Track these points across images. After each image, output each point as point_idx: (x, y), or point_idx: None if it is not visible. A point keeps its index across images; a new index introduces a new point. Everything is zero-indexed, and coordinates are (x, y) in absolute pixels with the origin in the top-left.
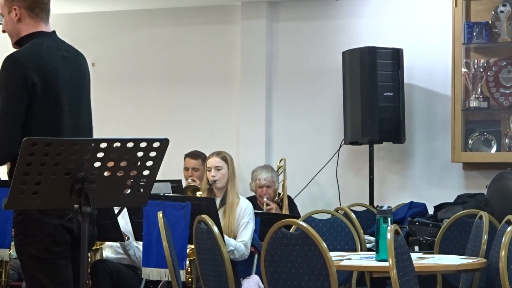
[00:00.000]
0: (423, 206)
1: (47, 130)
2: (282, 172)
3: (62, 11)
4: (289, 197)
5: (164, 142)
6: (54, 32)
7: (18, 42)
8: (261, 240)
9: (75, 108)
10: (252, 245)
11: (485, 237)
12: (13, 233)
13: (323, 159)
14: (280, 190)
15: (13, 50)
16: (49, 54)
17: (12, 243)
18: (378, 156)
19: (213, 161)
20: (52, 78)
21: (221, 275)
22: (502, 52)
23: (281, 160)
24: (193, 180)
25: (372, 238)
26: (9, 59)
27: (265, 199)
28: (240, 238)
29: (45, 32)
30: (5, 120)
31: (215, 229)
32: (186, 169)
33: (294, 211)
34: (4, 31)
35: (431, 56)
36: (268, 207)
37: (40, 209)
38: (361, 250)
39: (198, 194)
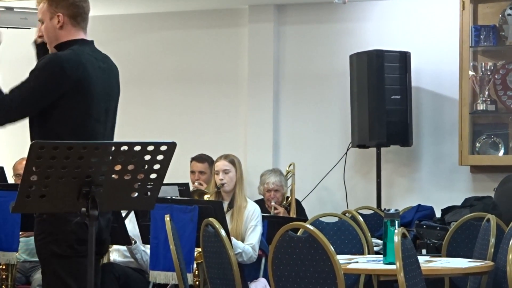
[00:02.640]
0: (431, 209)
1: (77, 134)
2: (291, 176)
3: None
4: (297, 200)
5: (172, 146)
6: (92, 41)
7: (57, 47)
8: (269, 243)
9: (103, 117)
10: (259, 248)
11: (492, 240)
12: (34, 233)
13: (330, 162)
14: (288, 194)
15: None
16: (88, 62)
17: (19, 247)
18: (385, 159)
19: (221, 165)
20: (87, 85)
21: (228, 278)
22: (510, 55)
23: (290, 165)
24: (200, 184)
25: (380, 241)
26: (51, 57)
27: (273, 203)
28: (247, 241)
29: (86, 40)
30: (23, 104)
31: (223, 232)
32: (192, 172)
33: (302, 215)
34: (40, 37)
35: (438, 59)
36: (275, 211)
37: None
38: (369, 253)
39: (206, 197)
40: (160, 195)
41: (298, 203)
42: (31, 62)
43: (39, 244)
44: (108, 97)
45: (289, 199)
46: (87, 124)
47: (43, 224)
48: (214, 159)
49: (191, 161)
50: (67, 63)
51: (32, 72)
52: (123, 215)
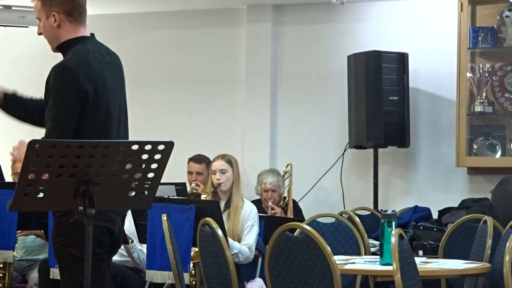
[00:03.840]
0: (428, 210)
1: (97, 137)
2: (288, 177)
3: None
4: (294, 201)
5: (169, 145)
6: (93, 35)
7: (59, 48)
8: (265, 244)
9: (118, 112)
10: (256, 248)
11: (489, 241)
12: (52, 234)
13: (327, 163)
14: (285, 195)
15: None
16: (95, 61)
17: (16, 245)
18: (382, 160)
19: (218, 164)
20: (102, 86)
21: (225, 278)
22: (508, 57)
23: (287, 165)
24: (197, 185)
25: (376, 242)
26: (60, 68)
27: (270, 204)
28: (244, 241)
29: (87, 36)
30: (59, 127)
31: (219, 232)
32: (190, 173)
33: (299, 216)
34: (40, 34)
35: (436, 60)
36: (272, 211)
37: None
38: (365, 254)
39: (203, 197)
40: (157, 194)
41: (295, 203)
42: (30, 60)
43: (58, 247)
44: (119, 90)
45: (286, 199)
46: (108, 123)
47: (62, 227)
48: (211, 159)
49: (188, 162)
50: (77, 70)
51: (49, 91)
52: None
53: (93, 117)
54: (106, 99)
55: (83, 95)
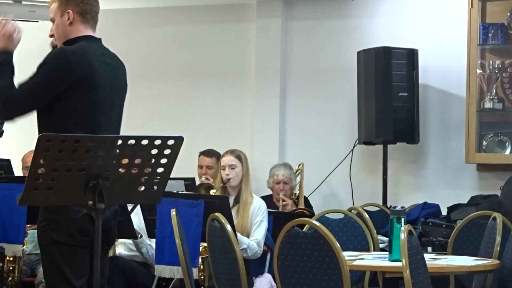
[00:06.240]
0: (437, 206)
1: (81, 126)
2: (299, 173)
3: None
4: (305, 197)
5: (179, 140)
6: (100, 39)
7: (66, 43)
8: (274, 239)
9: (109, 111)
10: (265, 243)
11: (498, 238)
12: (38, 219)
13: (336, 159)
14: (296, 191)
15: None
16: (93, 57)
17: (26, 239)
18: (392, 156)
19: (227, 160)
20: (92, 78)
21: (233, 273)
22: None
23: (300, 165)
24: (207, 179)
25: (385, 238)
26: (57, 51)
27: (281, 195)
28: (253, 236)
29: (93, 37)
30: (28, 98)
31: (228, 227)
32: (200, 167)
33: (309, 212)
34: (51, 36)
35: (446, 56)
36: (284, 203)
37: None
38: (374, 250)
39: (212, 192)
40: (166, 189)
41: (306, 200)
42: (39, 55)
43: (41, 231)
44: (114, 91)
45: (297, 194)
46: (91, 116)
47: (47, 212)
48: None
49: (199, 155)
50: (73, 57)
51: (39, 67)
52: (129, 208)
53: (79, 106)
54: (95, 93)
55: (68, 82)
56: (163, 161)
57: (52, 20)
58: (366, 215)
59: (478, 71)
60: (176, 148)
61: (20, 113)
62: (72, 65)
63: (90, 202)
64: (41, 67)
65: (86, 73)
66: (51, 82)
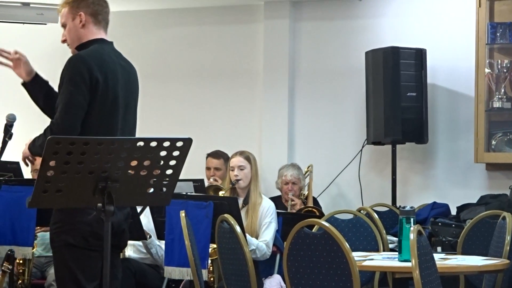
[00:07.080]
0: (446, 206)
1: (104, 129)
2: (308, 175)
3: None
4: (314, 198)
5: (188, 142)
6: (112, 42)
7: (79, 47)
8: (284, 240)
9: (124, 112)
10: (274, 244)
11: (508, 238)
12: (51, 221)
13: (345, 159)
14: (305, 192)
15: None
16: (109, 58)
17: (36, 242)
18: (400, 156)
19: (236, 161)
20: (112, 78)
21: (243, 275)
22: None
23: (309, 166)
24: (215, 180)
25: (395, 239)
26: (74, 57)
27: (290, 195)
28: (262, 237)
29: (106, 40)
30: (71, 110)
31: (238, 228)
32: (208, 168)
33: (319, 212)
34: (64, 41)
35: (454, 56)
36: (293, 202)
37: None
38: (384, 251)
39: (221, 193)
40: (175, 191)
41: (315, 200)
42: (48, 57)
43: (54, 233)
44: (128, 93)
45: (306, 194)
46: (116, 116)
47: (61, 214)
48: (230, 155)
49: (206, 157)
50: (90, 60)
51: (62, 79)
52: (138, 210)
53: (101, 107)
54: (116, 93)
55: (94, 83)
56: (172, 162)
57: (64, 25)
58: (376, 216)
59: (487, 70)
60: (185, 150)
61: (72, 129)
62: (92, 66)
63: (99, 204)
64: (64, 78)
65: (106, 73)
66: (78, 86)
